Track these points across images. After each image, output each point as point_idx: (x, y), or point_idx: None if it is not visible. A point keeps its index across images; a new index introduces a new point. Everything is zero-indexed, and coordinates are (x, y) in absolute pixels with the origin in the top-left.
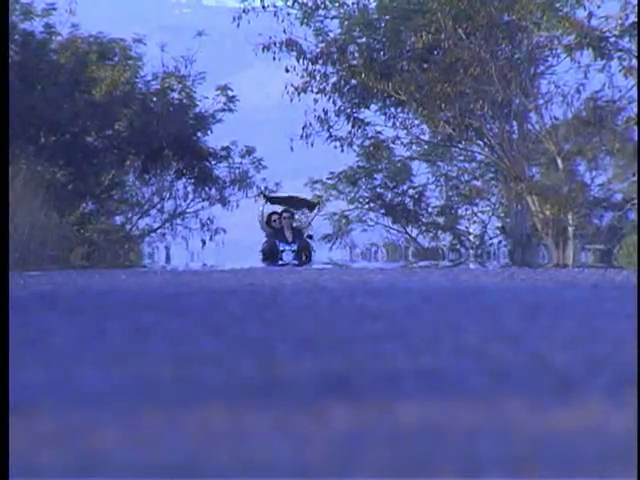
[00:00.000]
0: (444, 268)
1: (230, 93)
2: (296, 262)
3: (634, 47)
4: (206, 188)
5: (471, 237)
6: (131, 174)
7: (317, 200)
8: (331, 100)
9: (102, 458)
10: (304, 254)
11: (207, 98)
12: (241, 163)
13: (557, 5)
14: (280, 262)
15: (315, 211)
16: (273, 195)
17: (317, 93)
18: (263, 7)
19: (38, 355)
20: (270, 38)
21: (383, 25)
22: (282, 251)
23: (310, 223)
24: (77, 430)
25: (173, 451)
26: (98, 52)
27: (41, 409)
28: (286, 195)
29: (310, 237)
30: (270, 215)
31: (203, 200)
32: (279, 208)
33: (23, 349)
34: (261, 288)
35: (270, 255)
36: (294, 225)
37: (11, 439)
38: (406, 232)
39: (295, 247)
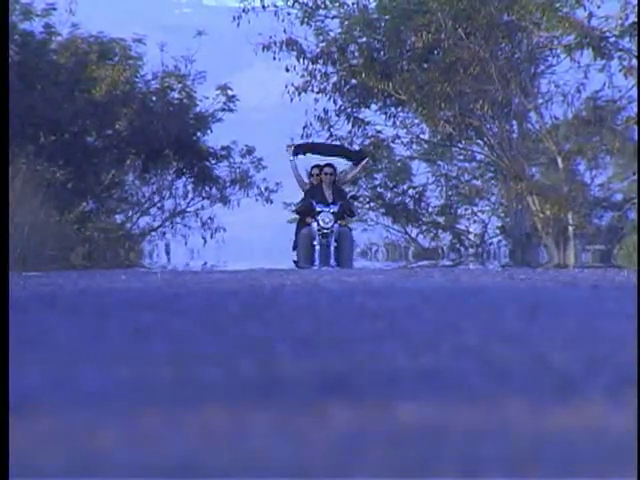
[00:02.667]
0: (444, 268)
1: (230, 93)
2: (334, 227)
3: (634, 47)
4: (206, 187)
5: (471, 237)
6: (131, 173)
7: (364, 152)
8: (331, 100)
9: (101, 458)
10: (344, 217)
11: (207, 98)
12: (241, 163)
13: (557, 5)
14: (317, 226)
15: (362, 163)
16: (304, 143)
17: (317, 93)
18: (263, 7)
19: (37, 355)
20: (270, 38)
21: (383, 25)
22: (319, 212)
23: (354, 178)
24: (74, 430)
25: (172, 451)
26: (98, 52)
27: (39, 409)
28: (322, 142)
29: (355, 198)
30: (311, 169)
31: (203, 199)
32: (321, 161)
33: (23, 349)
34: (261, 289)
35: (305, 217)
36: (336, 183)
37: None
38: (406, 232)
39: (335, 209)
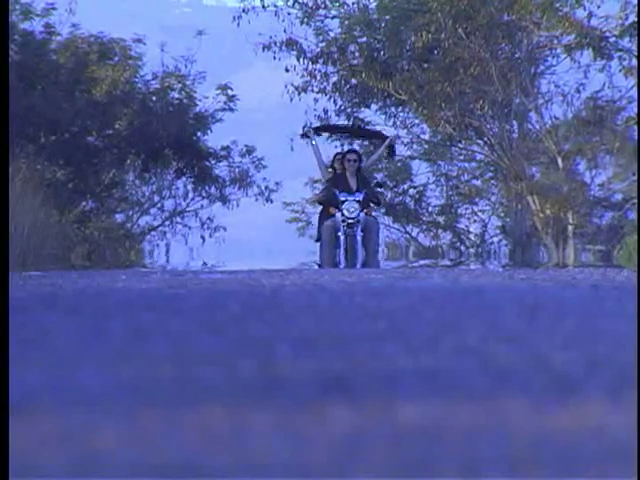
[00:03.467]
0: (444, 267)
1: (230, 93)
2: (359, 217)
3: (634, 47)
4: (206, 187)
5: (471, 236)
6: (131, 173)
7: (390, 136)
8: (331, 100)
9: (100, 458)
10: (370, 206)
11: (207, 98)
12: (241, 162)
13: (557, 5)
14: (342, 216)
15: (385, 143)
16: (322, 124)
17: (317, 93)
18: (263, 7)
19: (37, 356)
20: (270, 38)
21: (383, 25)
22: (343, 202)
23: (377, 161)
24: (72, 429)
25: (172, 451)
26: (98, 52)
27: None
28: (340, 124)
29: (380, 185)
30: (334, 157)
31: (203, 199)
32: (344, 148)
33: (23, 350)
34: (260, 289)
35: (328, 208)
36: (361, 170)
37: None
38: (406, 231)
39: (360, 197)
